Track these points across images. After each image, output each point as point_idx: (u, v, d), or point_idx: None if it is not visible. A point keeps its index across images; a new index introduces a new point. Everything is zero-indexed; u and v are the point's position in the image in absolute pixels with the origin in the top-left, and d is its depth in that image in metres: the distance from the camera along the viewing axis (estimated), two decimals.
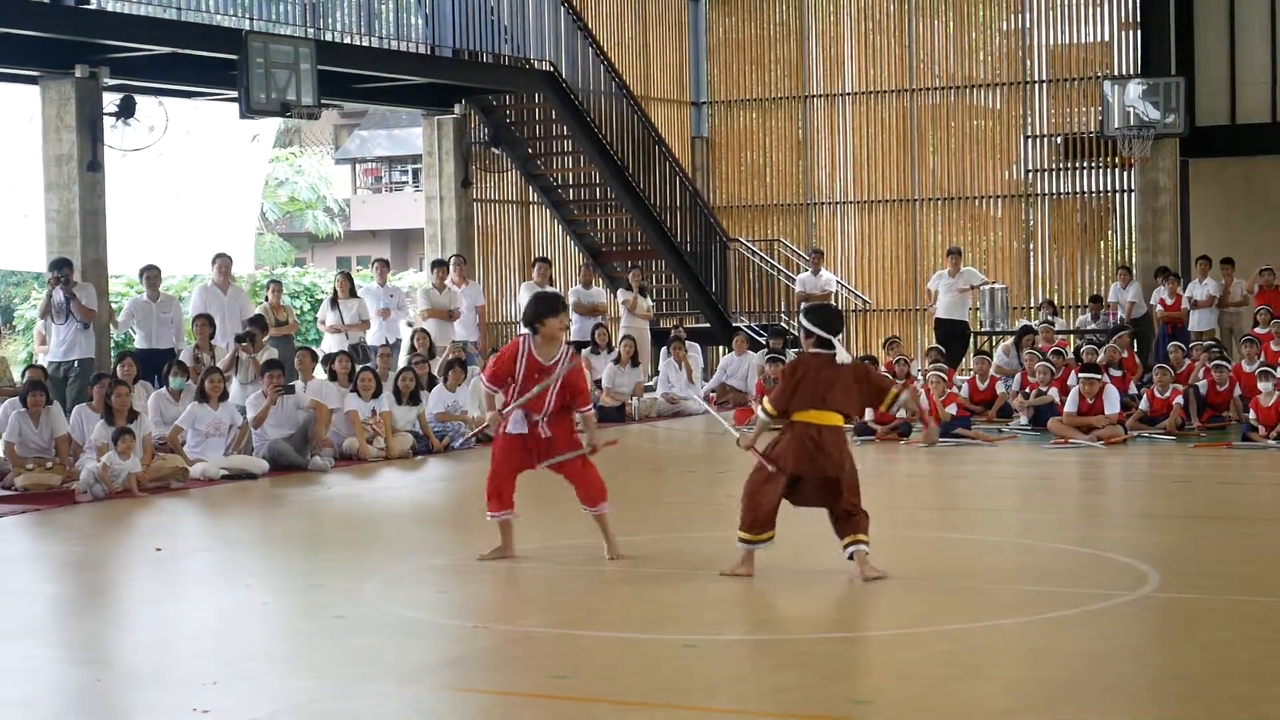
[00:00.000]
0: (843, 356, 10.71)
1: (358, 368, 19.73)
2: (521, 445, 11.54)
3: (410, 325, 23.20)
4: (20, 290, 32.19)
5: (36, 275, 24.34)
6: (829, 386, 10.67)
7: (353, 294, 22.59)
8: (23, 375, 18.69)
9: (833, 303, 27.53)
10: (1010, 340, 24.97)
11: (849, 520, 10.74)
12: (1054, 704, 7.66)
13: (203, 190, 25.68)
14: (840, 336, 10.86)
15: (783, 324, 28.85)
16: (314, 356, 19.82)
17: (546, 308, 11.65)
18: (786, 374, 10.87)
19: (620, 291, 26.49)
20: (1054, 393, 20.48)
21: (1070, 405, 19.67)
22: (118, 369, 18.17)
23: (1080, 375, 19.97)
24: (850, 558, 10.67)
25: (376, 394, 19.21)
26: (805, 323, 10.88)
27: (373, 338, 22.50)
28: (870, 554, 10.65)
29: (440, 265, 24.11)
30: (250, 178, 27.12)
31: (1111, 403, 19.52)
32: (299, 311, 32.50)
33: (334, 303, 22.61)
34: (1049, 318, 25.37)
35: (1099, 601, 9.89)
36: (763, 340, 26.15)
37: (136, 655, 9.34)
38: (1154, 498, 15.96)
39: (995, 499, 15.83)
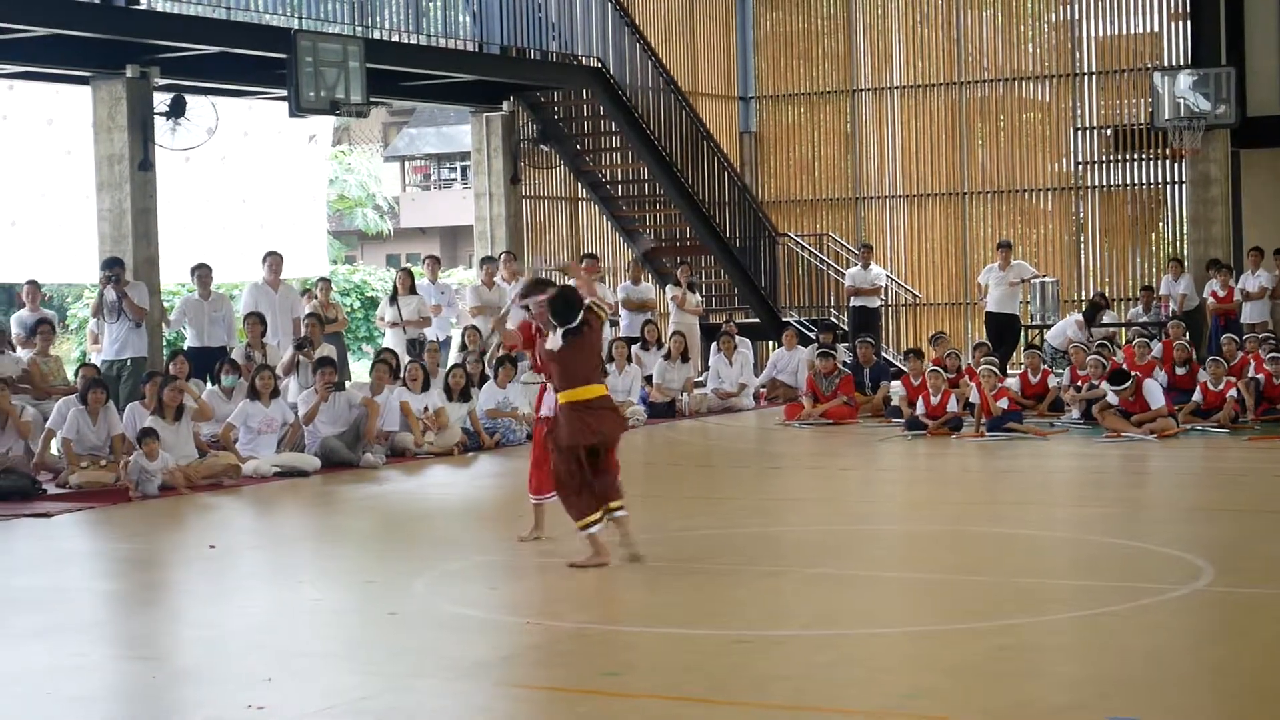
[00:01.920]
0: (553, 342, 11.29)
1: (406, 361, 19.80)
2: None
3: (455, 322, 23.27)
4: (73, 289, 32.32)
5: (70, 286, 24.43)
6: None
7: (413, 290, 22.64)
8: (76, 374, 18.77)
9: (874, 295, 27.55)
10: (1080, 314, 24.96)
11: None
12: (1109, 699, 7.63)
13: (267, 192, 25.77)
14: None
15: (833, 319, 28.80)
16: (392, 371, 19.64)
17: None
18: None
19: (669, 287, 26.48)
20: (1105, 386, 20.37)
21: (1112, 399, 19.55)
22: (170, 367, 18.25)
23: (1110, 389, 19.75)
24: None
25: (425, 386, 19.27)
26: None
27: (432, 333, 22.57)
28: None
29: (489, 262, 24.13)
30: (313, 178, 27.17)
31: (1154, 398, 19.40)
32: (348, 309, 32.58)
33: (393, 299, 22.68)
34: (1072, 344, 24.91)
35: (1153, 596, 9.85)
36: (812, 335, 26.10)
37: (190, 651, 9.38)
38: (1208, 491, 15.87)
39: (1047, 493, 15.78)
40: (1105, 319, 26.61)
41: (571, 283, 11.75)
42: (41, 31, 19.05)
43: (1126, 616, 9.41)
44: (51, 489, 16.39)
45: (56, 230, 22.47)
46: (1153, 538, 12.24)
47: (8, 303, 22.85)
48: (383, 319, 22.98)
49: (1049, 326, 26.54)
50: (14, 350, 19.26)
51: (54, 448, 17.12)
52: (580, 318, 11.25)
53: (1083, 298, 29.05)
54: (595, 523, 11.19)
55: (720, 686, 8.10)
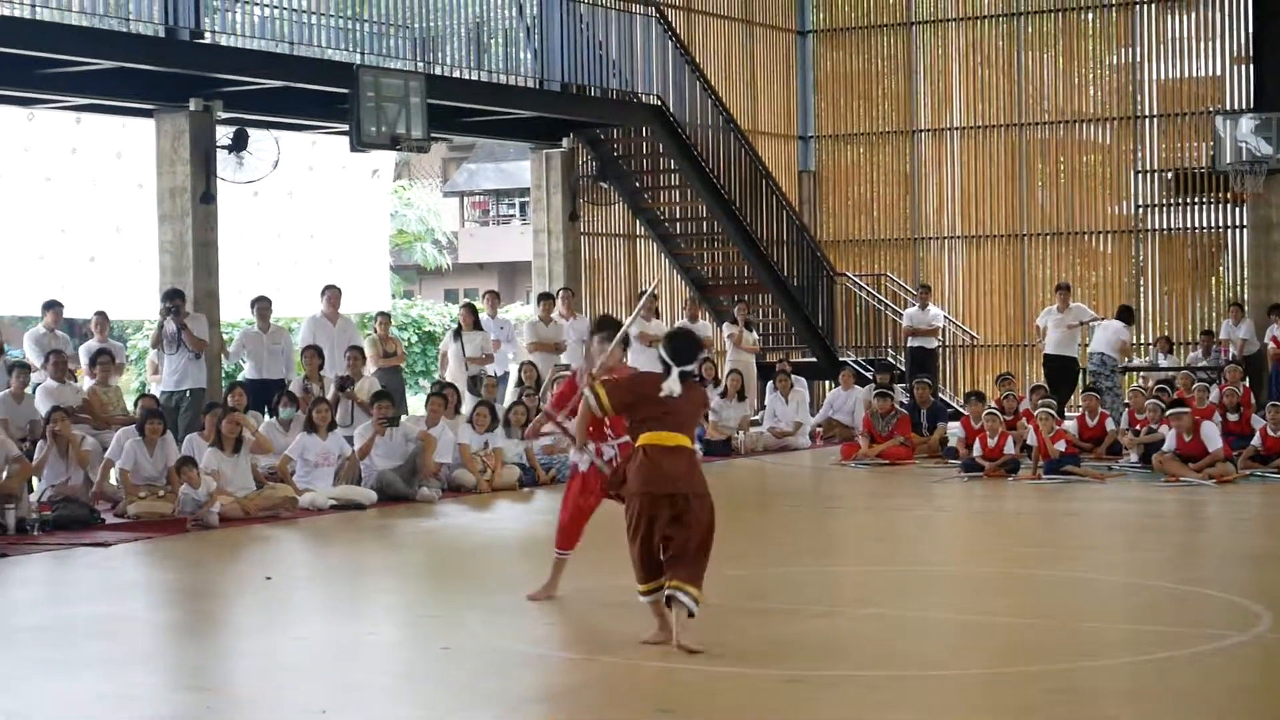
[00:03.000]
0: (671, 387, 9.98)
1: (473, 402, 19.86)
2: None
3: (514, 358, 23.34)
4: (133, 320, 32.49)
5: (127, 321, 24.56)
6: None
7: (477, 326, 22.72)
8: (135, 405, 18.89)
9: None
10: (1116, 318, 25.23)
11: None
12: None
13: (332, 227, 25.92)
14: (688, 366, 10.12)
15: (889, 359, 28.75)
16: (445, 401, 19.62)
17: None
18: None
19: (726, 325, 26.48)
20: (1164, 430, 20.28)
21: (1168, 445, 19.51)
22: (228, 398, 18.34)
23: (1169, 411, 19.77)
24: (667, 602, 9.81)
25: (491, 427, 19.32)
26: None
27: (490, 368, 22.63)
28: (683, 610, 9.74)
29: (547, 298, 24.18)
30: (376, 213, 27.31)
31: (1212, 439, 19.31)
32: (406, 344, 32.66)
33: (457, 334, 22.76)
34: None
35: (1210, 642, 9.79)
36: (869, 375, 26.06)
37: (245, 683, 9.41)
38: (1266, 537, 15.75)
39: (1104, 537, 15.69)
40: (1163, 362, 26.53)
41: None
42: (106, 65, 19.20)
43: (1183, 662, 9.35)
44: (110, 519, 16.49)
45: (133, 264, 22.57)
46: (1211, 583, 12.17)
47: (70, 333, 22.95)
48: (445, 354, 23.04)
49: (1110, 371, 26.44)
50: (75, 380, 19.41)
51: (113, 478, 17.22)
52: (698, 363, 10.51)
53: (1142, 341, 28.93)
54: (647, 593, 9.97)
55: None
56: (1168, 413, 19.77)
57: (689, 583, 9.68)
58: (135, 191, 22.28)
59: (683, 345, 10.18)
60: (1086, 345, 27.23)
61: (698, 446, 21.06)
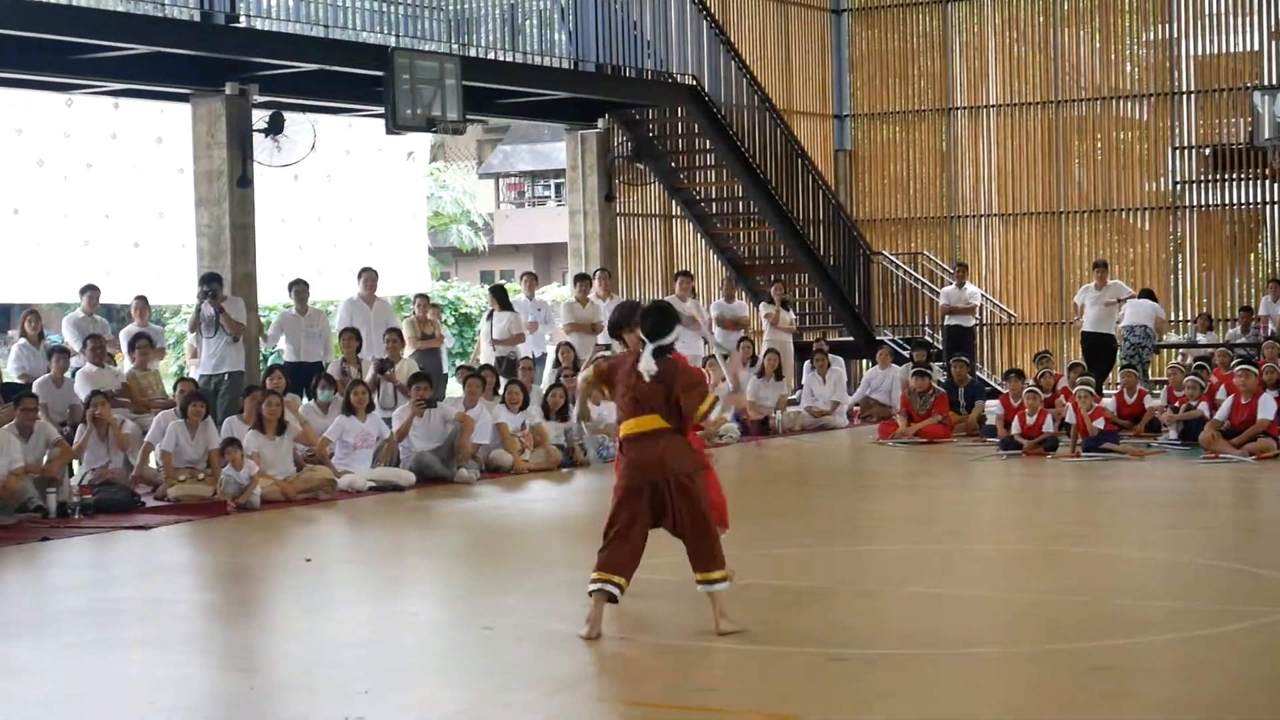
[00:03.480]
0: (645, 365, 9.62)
1: (504, 381, 19.90)
2: None
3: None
4: (170, 305, 32.60)
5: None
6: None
7: (505, 308, 22.76)
8: (174, 388, 18.95)
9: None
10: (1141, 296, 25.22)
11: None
12: None
13: (370, 210, 25.99)
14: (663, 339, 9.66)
15: (927, 337, 28.70)
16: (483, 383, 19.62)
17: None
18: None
19: (763, 305, 26.45)
20: (1203, 407, 20.20)
21: (1223, 411, 19.36)
22: (266, 381, 18.39)
23: (1238, 369, 19.64)
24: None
25: (524, 406, 19.36)
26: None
27: (527, 349, 22.68)
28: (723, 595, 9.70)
29: (583, 279, 24.18)
30: (412, 195, 27.37)
31: (1266, 409, 19.14)
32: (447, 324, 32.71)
33: (489, 316, 22.85)
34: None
35: (1251, 619, 9.76)
36: (906, 354, 26.03)
37: (288, 664, 9.45)
38: None
39: (1143, 514, 15.64)
40: (1202, 339, 26.46)
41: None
42: (142, 49, 19.24)
43: (1224, 640, 9.33)
44: (150, 502, 16.56)
45: (176, 250, 22.67)
46: (1252, 560, 12.13)
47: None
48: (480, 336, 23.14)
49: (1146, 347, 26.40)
50: (114, 364, 19.50)
51: (153, 461, 17.29)
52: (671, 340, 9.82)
53: (1180, 318, 28.88)
54: (594, 581, 9.69)
55: (816, 705, 8.08)
56: (1236, 368, 19.64)
57: (707, 570, 9.64)
58: (176, 176, 22.36)
59: (654, 320, 9.71)
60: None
61: (732, 425, 21.04)
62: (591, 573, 9.67)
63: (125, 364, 19.67)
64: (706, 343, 23.35)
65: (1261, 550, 12.93)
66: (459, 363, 24.21)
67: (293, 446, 17.21)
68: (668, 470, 9.62)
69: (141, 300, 20.50)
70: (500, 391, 19.68)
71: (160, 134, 23.04)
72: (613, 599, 9.59)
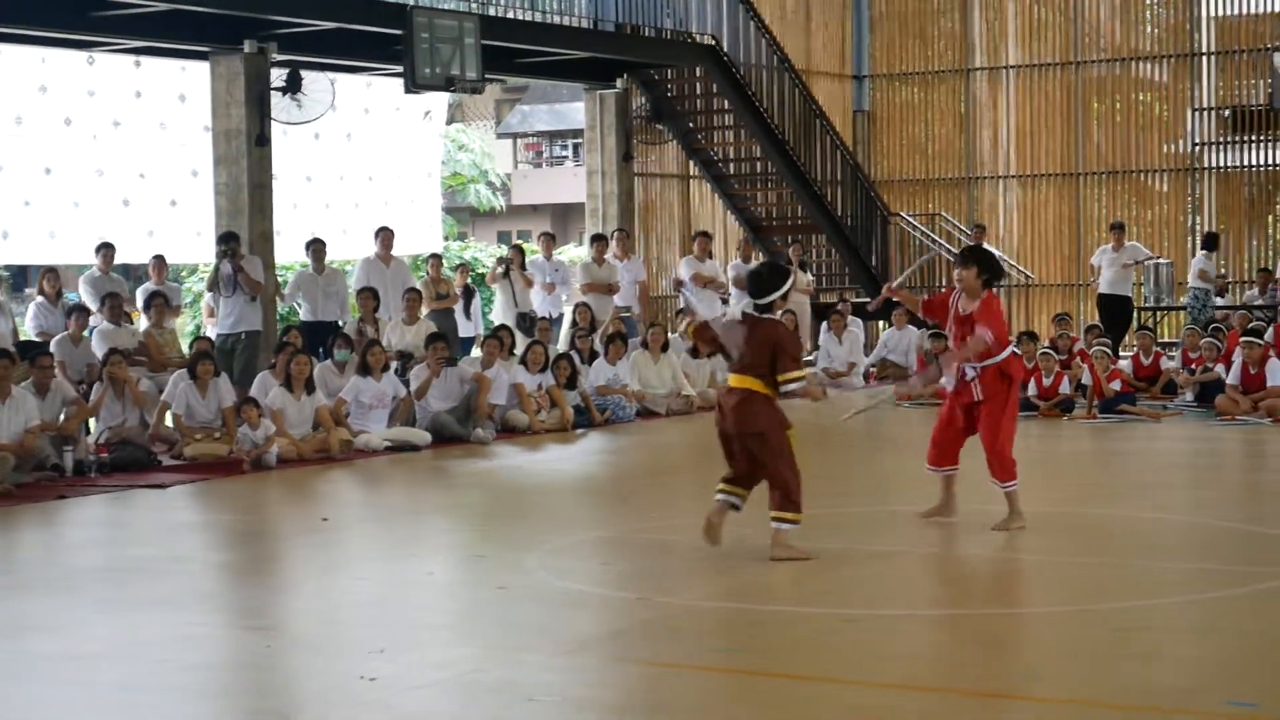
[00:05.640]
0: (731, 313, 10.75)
1: (525, 342, 19.89)
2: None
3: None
4: (186, 264, 32.60)
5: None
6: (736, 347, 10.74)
7: (505, 276, 22.70)
8: (191, 347, 18.96)
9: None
10: (1203, 249, 25.43)
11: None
12: (1228, 684, 7.54)
13: (387, 169, 25.98)
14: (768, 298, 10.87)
15: None
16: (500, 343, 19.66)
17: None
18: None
19: None
20: (1220, 369, 20.16)
21: (1233, 377, 19.36)
22: (283, 340, 18.37)
23: (1242, 340, 19.67)
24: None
25: (544, 368, 19.35)
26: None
27: (544, 309, 22.65)
28: (785, 532, 10.52)
29: (600, 240, 24.15)
30: (428, 155, 27.34)
31: (1275, 375, 19.13)
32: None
33: (506, 273, 22.84)
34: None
35: (1269, 580, 9.72)
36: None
37: (304, 623, 9.45)
38: None
39: (1160, 475, 15.61)
40: (1219, 302, 26.39)
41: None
42: (162, 6, 19.22)
43: (1244, 600, 9.30)
44: (166, 460, 16.57)
45: (208, 207, 22.77)
46: (1268, 521, 12.10)
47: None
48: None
49: (1162, 308, 26.38)
50: (131, 322, 19.50)
51: (169, 420, 17.29)
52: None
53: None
54: (718, 491, 10.74)
55: (835, 665, 8.07)
56: (1243, 341, 19.63)
57: (779, 510, 10.48)
58: (203, 135, 22.36)
59: (752, 278, 10.93)
60: (1141, 285, 27.12)
61: None
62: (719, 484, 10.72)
63: (142, 322, 19.66)
64: (725, 303, 23.33)
65: (1277, 511, 12.89)
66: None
67: (315, 408, 17.18)
68: (742, 425, 10.56)
69: (159, 259, 20.49)
70: (515, 351, 19.66)
71: (184, 92, 23.03)
72: (734, 508, 10.66)
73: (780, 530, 10.49)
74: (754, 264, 26.10)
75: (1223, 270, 27.82)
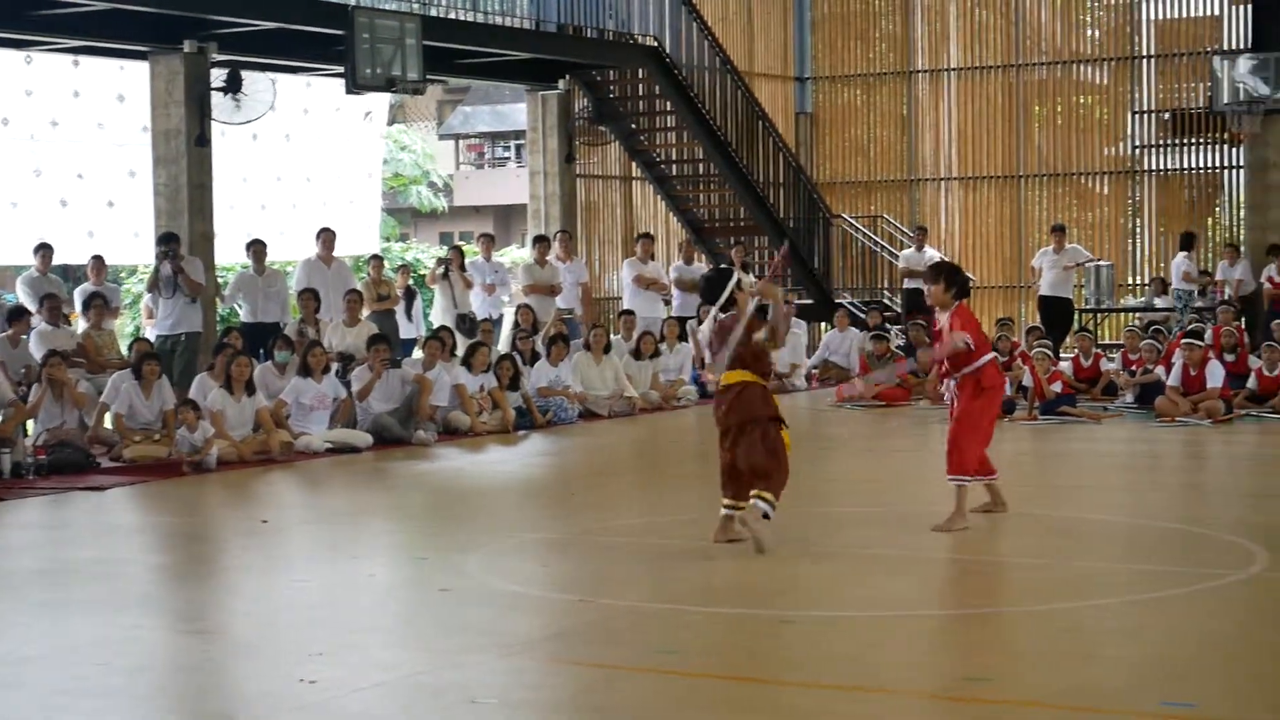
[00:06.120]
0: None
1: (466, 344, 19.83)
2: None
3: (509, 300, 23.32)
4: (125, 265, 32.43)
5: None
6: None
7: (444, 277, 22.62)
8: (129, 349, 18.84)
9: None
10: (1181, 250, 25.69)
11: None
12: (1168, 683, 7.57)
13: (326, 170, 25.90)
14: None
15: (885, 300, 28.70)
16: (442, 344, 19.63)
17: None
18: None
19: None
20: (1160, 371, 20.27)
21: (1173, 379, 19.49)
22: (223, 342, 18.27)
23: (1183, 342, 19.79)
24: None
25: (487, 369, 19.31)
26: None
27: (484, 311, 22.59)
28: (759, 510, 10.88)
29: (542, 241, 24.11)
30: (369, 156, 27.27)
31: (1214, 377, 19.28)
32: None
33: (445, 275, 22.77)
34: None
35: (1208, 581, 9.78)
36: (864, 317, 26.03)
37: (243, 626, 9.39)
38: (1262, 476, 15.74)
39: (1101, 477, 15.69)
40: (1159, 304, 26.52)
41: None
42: (101, 6, 19.11)
43: (1182, 601, 9.34)
44: (105, 462, 16.47)
45: (147, 207, 22.67)
46: (1207, 522, 12.16)
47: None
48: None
49: (1103, 310, 26.51)
50: (69, 324, 19.37)
51: (108, 421, 17.18)
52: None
53: (1137, 282, 28.97)
54: (724, 506, 11.15)
55: (776, 666, 8.07)
56: (1184, 342, 19.74)
57: (762, 488, 10.95)
58: (142, 135, 22.24)
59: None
60: (1081, 286, 27.24)
61: (690, 387, 21.07)
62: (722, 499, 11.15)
63: (80, 324, 19.54)
64: (667, 305, 23.33)
65: (1215, 512, 12.96)
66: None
67: (255, 410, 17.10)
68: (735, 416, 11.09)
69: (98, 259, 20.35)
70: (457, 353, 19.59)
71: (122, 92, 22.90)
72: (764, 515, 10.90)
73: (756, 507, 10.83)
74: (700, 272, 26.25)
75: (1204, 268, 27.98)
